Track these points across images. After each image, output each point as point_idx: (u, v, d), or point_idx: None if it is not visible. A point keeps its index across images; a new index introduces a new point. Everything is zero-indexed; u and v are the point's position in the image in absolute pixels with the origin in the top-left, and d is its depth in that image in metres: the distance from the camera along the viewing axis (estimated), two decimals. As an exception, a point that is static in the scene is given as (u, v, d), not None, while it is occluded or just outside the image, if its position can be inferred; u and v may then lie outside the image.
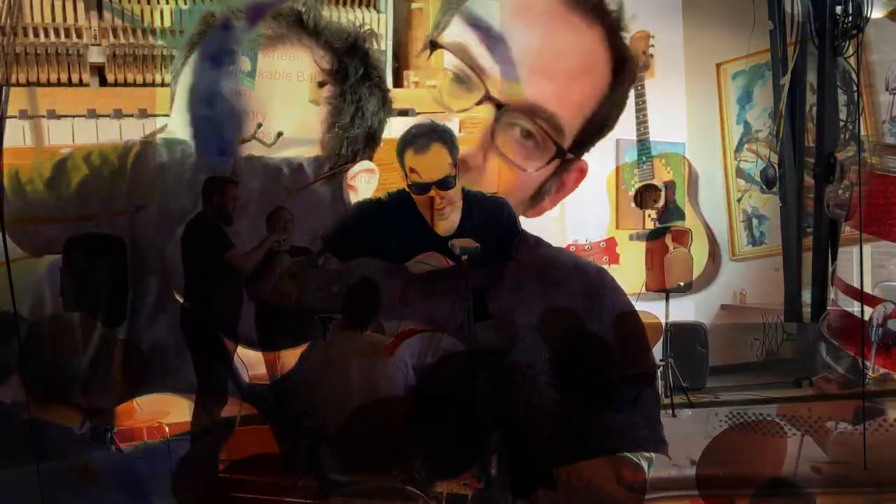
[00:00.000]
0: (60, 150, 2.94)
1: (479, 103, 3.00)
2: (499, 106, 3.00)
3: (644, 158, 3.93)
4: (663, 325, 3.48)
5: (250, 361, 2.81)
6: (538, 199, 3.21)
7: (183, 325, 2.71)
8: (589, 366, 2.63)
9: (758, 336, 4.13)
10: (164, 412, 2.87)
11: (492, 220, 2.80)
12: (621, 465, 2.54)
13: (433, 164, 2.69)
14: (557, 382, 2.58)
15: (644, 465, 2.61)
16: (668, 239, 3.58)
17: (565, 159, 3.12)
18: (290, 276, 2.73)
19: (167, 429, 2.85)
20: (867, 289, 3.48)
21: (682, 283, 3.55)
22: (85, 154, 2.81)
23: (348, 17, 3.08)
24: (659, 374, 3.37)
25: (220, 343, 2.73)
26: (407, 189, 2.73)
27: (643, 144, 3.92)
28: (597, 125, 3.17)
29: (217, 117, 2.80)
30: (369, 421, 2.49)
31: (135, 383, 2.73)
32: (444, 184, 2.69)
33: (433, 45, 3.03)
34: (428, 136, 2.68)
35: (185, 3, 2.95)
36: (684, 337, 3.68)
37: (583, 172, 3.26)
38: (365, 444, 2.46)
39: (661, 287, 3.60)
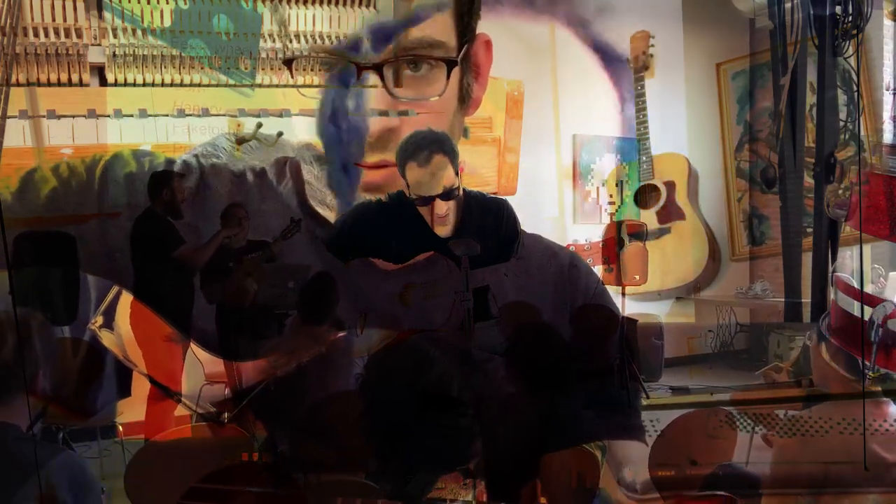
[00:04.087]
0: (61, 149, 2.94)
1: (358, 78, 2.93)
2: (375, 67, 2.94)
3: (644, 158, 3.94)
4: (623, 319, 3.50)
5: (207, 359, 2.80)
6: (466, 98, 3.13)
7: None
8: (546, 359, 2.63)
9: (712, 328, 4.17)
10: (117, 412, 2.87)
11: (491, 220, 2.81)
12: (577, 456, 2.54)
13: (436, 176, 2.69)
14: (515, 376, 2.58)
15: (598, 454, 2.61)
16: (623, 232, 3.59)
17: (467, 49, 3.05)
18: (244, 274, 2.72)
19: (121, 428, 2.86)
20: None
21: (636, 277, 3.55)
22: (53, 166, 2.82)
23: (349, 18, 3.07)
24: (615, 366, 3.39)
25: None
26: (408, 196, 2.72)
27: (643, 144, 3.93)
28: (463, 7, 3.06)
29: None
30: (326, 416, 2.49)
31: (89, 382, 2.72)
32: (449, 195, 2.69)
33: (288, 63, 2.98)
34: (429, 147, 2.67)
35: (185, 4, 2.94)
36: (640, 330, 3.71)
37: (489, 44, 3.15)
38: (323, 440, 2.45)
39: (616, 282, 3.60)
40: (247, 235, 2.75)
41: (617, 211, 3.83)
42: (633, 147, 3.96)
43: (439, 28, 3.01)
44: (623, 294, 3.52)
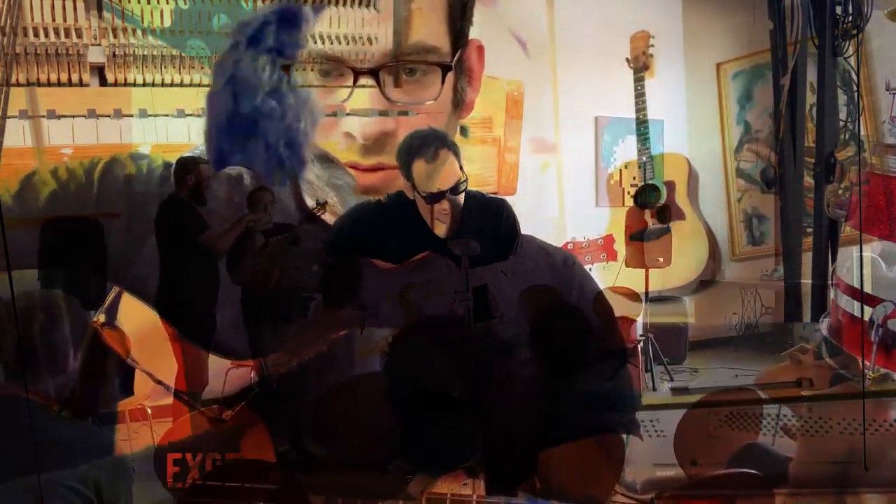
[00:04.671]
0: (60, 149, 2.95)
1: (355, 83, 2.98)
2: (372, 72, 2.99)
3: (644, 159, 3.94)
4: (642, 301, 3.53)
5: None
6: (460, 102, 3.20)
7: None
8: (567, 338, 2.65)
9: (736, 311, 4.16)
10: (145, 395, 2.88)
11: (491, 220, 2.81)
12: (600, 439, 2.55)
13: (445, 171, 2.69)
14: (536, 357, 2.59)
15: (623, 436, 2.63)
16: (647, 215, 3.60)
17: (460, 54, 3.11)
18: (269, 257, 2.74)
19: (149, 411, 2.87)
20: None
21: (660, 259, 3.57)
22: (52, 168, 2.84)
23: (349, 18, 3.08)
24: (640, 348, 3.41)
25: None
26: (418, 195, 2.72)
27: (643, 144, 3.92)
28: (458, 6, 3.11)
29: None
30: (350, 399, 2.51)
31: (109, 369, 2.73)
32: (457, 189, 2.70)
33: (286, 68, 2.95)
34: (434, 143, 2.69)
35: (185, 4, 2.95)
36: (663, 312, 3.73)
37: (481, 49, 3.22)
38: (347, 423, 2.47)
39: (640, 264, 3.62)
40: (272, 219, 2.78)
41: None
42: (658, 129, 3.96)
43: (433, 34, 3.04)
44: (647, 276, 3.55)
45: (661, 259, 3.58)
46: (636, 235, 3.72)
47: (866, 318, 3.10)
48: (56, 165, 2.87)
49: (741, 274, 4.32)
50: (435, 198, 2.69)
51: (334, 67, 2.97)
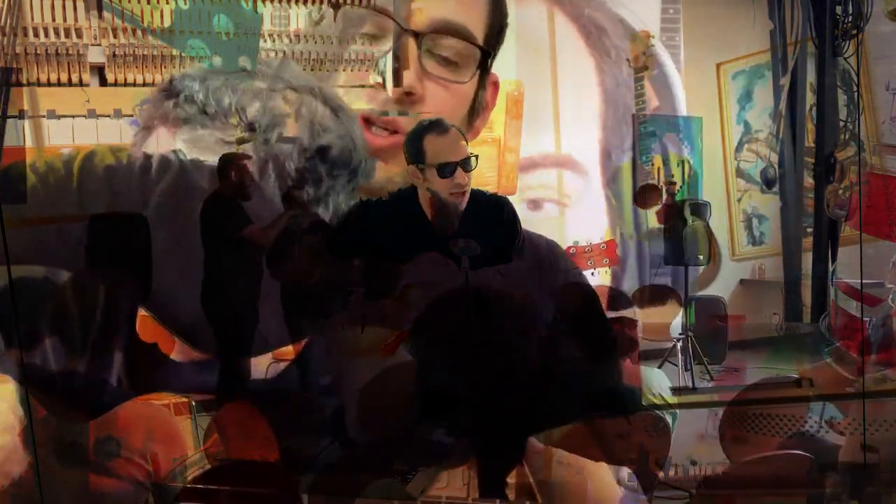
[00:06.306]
0: (60, 149, 2.95)
1: (398, 40, 3.13)
2: (416, 35, 3.14)
3: (644, 158, 3.94)
4: (682, 298, 3.52)
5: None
6: (474, 117, 3.38)
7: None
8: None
9: (777, 311, 4.14)
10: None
11: (492, 218, 2.81)
12: (641, 421, 2.53)
13: (455, 144, 2.72)
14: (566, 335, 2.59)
15: (668, 420, 2.62)
16: (685, 212, 3.60)
17: (484, 75, 3.32)
18: (310, 252, 2.75)
19: (193, 403, 2.87)
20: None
21: (700, 257, 3.57)
22: (30, 162, 2.85)
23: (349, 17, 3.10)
24: (679, 347, 3.40)
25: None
26: (427, 175, 2.73)
27: (644, 144, 3.93)
28: (496, 25, 3.32)
29: None
30: (388, 383, 2.51)
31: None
32: (467, 164, 2.71)
33: (336, 7, 3.10)
34: (445, 122, 2.74)
35: (185, 4, 2.95)
36: (703, 311, 3.71)
37: (496, 85, 3.44)
38: (385, 405, 2.47)
39: (678, 261, 3.63)
40: (307, 215, 2.82)
41: (678, 191, 3.84)
42: (697, 125, 3.96)
43: (475, 26, 3.25)
44: (686, 273, 3.55)
45: (700, 257, 3.59)
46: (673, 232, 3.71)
47: (866, 318, 3.11)
48: (33, 160, 2.87)
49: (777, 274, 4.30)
50: (446, 169, 2.69)
51: (378, 30, 3.11)
